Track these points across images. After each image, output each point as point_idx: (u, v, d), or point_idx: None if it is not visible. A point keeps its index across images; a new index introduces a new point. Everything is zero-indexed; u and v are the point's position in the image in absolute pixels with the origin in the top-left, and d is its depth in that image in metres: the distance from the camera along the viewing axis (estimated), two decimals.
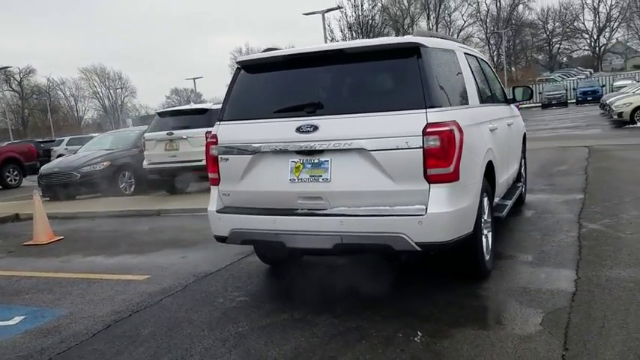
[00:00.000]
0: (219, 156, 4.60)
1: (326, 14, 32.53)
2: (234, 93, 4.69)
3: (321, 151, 4.18)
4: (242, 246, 5.99)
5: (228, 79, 15.79)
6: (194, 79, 65.11)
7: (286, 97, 4.49)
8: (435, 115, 3.92)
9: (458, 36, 64.36)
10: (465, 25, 68.27)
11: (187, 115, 11.66)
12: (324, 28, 33.21)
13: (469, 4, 66.53)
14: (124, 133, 16.36)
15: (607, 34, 72.83)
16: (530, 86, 10.12)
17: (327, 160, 4.17)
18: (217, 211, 4.64)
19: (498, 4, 67.03)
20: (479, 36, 68.23)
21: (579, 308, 4.04)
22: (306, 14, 33.26)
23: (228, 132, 4.58)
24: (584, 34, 73.42)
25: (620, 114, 19.47)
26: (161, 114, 12.39)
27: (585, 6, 71.86)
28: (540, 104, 42.93)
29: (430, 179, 3.92)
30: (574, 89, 44.23)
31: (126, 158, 13.14)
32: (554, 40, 72.79)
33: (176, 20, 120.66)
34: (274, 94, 4.63)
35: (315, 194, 4.21)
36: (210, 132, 4.77)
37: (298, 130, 4.21)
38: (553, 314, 3.96)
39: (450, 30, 66.40)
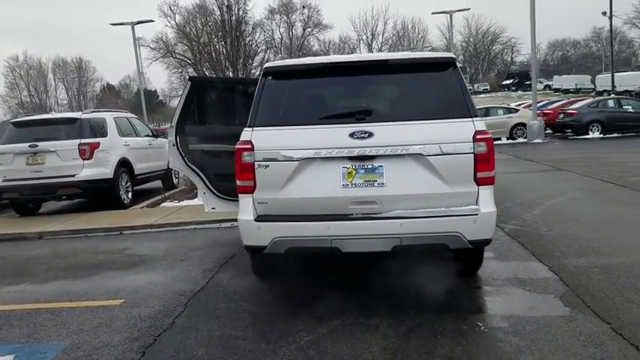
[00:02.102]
0: (257, 163, 4.45)
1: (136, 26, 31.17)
2: (266, 99, 4.57)
3: (373, 157, 4.31)
4: (201, 264, 6.18)
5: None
6: None
7: (330, 105, 4.54)
8: (479, 123, 4.35)
9: (253, 60, 66.36)
10: (259, 51, 70.72)
11: (54, 125, 10.45)
12: (134, 39, 31.80)
13: (264, 32, 69.18)
14: None
15: None
16: None
17: (382, 166, 4.32)
18: (256, 220, 4.46)
19: (291, 33, 70.89)
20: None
21: (579, 290, 4.76)
22: (114, 24, 31.66)
23: (267, 138, 4.45)
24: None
25: None
26: (18, 124, 10.85)
27: (361, 41, 79.63)
28: None
29: (479, 182, 4.33)
30: None
31: None
32: None
33: None
34: (315, 100, 4.63)
35: (370, 199, 4.33)
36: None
37: (352, 136, 4.30)
38: (568, 296, 4.62)
39: (244, 53, 68.05)
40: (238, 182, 4.56)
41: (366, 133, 4.29)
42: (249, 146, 4.45)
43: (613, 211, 7.91)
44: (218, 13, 62.06)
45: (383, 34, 78.83)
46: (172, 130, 6.39)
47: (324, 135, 4.36)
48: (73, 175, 10.02)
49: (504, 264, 5.68)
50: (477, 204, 4.33)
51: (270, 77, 4.62)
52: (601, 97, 29.41)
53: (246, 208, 4.53)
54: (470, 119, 4.35)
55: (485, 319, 4.30)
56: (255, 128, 4.50)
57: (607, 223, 7.26)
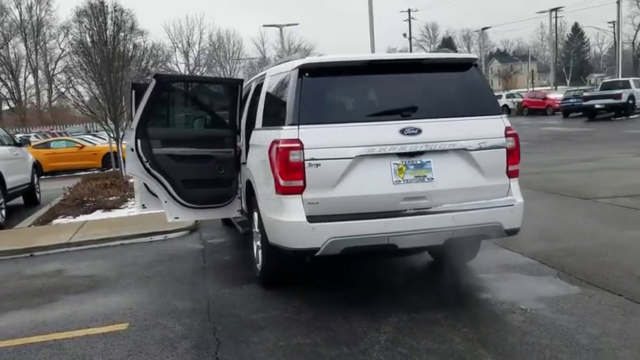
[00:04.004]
0: (307, 162, 4.25)
1: None
2: (307, 96, 4.39)
3: (422, 152, 4.40)
4: (179, 279, 5.76)
5: None
6: None
7: (374, 102, 4.50)
8: (506, 120, 4.70)
9: (56, 65, 61.59)
10: (63, 54, 65.33)
11: None
12: None
13: (71, 34, 64.00)
14: None
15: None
16: None
17: (429, 161, 4.42)
18: (308, 221, 4.25)
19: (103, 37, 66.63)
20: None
21: (568, 271, 5.32)
22: None
23: (318, 136, 4.28)
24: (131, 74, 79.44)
25: None
26: None
27: (177, 49, 77.74)
28: None
29: (510, 174, 4.65)
30: None
31: None
32: (148, 77, 76.44)
33: None
34: (359, 97, 4.55)
35: (420, 194, 4.39)
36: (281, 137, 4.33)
37: (402, 132, 4.34)
38: (565, 277, 5.14)
39: (48, 57, 62.90)
40: (283, 183, 4.31)
41: (415, 129, 4.36)
42: (298, 145, 4.25)
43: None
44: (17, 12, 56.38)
45: (199, 43, 77.96)
46: (132, 133, 5.81)
47: (375, 132, 4.34)
48: None
49: (481, 254, 6.06)
50: (510, 195, 4.63)
51: (307, 74, 4.46)
52: None
53: (294, 210, 4.30)
54: (499, 116, 4.66)
55: (519, 302, 4.57)
56: (301, 126, 4.30)
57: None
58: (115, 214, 9.16)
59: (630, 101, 28.46)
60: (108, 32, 11.55)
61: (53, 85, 62.15)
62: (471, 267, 5.57)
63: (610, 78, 43.01)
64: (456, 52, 64.24)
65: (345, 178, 4.29)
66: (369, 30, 24.30)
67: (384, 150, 4.31)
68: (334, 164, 4.27)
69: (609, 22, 62.19)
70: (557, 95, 38.42)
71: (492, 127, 4.58)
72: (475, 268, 5.55)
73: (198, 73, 77.97)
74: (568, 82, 73.32)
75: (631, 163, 12.80)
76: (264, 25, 41.95)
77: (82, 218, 9.04)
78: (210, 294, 5.20)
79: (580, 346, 3.74)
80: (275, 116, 4.89)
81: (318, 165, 4.25)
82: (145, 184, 6.48)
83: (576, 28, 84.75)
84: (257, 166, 4.92)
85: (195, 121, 6.71)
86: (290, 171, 4.27)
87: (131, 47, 12.14)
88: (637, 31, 62.17)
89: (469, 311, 4.46)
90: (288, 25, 38.59)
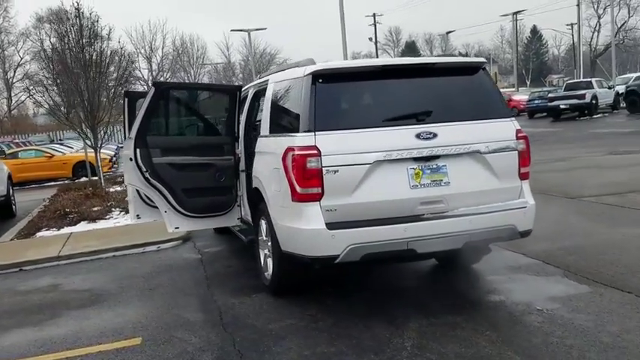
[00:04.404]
0: (325, 168, 4.21)
1: None
2: (321, 102, 4.35)
3: (437, 157, 4.41)
4: (183, 290, 5.65)
5: None
6: None
7: (389, 106, 4.48)
8: (517, 123, 4.75)
9: (15, 72, 60.20)
10: (22, 61, 63.65)
11: None
12: None
13: (31, 41, 62.38)
14: None
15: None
16: None
17: (445, 165, 4.43)
18: (329, 228, 4.21)
19: (64, 43, 65.17)
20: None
21: (573, 270, 5.40)
22: None
23: (335, 142, 4.24)
24: (140, 80, 78.20)
25: None
26: None
27: (140, 54, 76.71)
28: None
29: (521, 177, 4.70)
30: None
31: None
32: (126, 84, 75.22)
33: None
34: (373, 102, 4.53)
35: (437, 198, 4.40)
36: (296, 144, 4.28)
37: (418, 136, 4.34)
38: (571, 276, 5.22)
39: (6, 64, 61.22)
40: (300, 190, 4.26)
41: (431, 133, 4.37)
42: (315, 151, 4.21)
43: None
44: None
45: (162, 49, 76.88)
46: (130, 142, 5.67)
47: (391, 137, 4.33)
48: None
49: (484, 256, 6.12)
50: (523, 197, 4.68)
51: (320, 80, 4.42)
52: None
53: (312, 217, 4.25)
54: (510, 119, 4.71)
55: (534, 303, 4.60)
56: (317, 133, 4.26)
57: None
58: (101, 225, 8.93)
59: (593, 101, 29.24)
60: (84, 39, 11.27)
61: (13, 94, 60.51)
62: (477, 269, 5.61)
63: (569, 79, 44.13)
64: (419, 55, 65.14)
65: (363, 183, 4.27)
66: (342, 35, 24.41)
67: (401, 155, 4.30)
68: (352, 170, 4.24)
69: (567, 25, 63.75)
70: (522, 96, 39.14)
71: (504, 130, 4.62)
72: (482, 271, 5.59)
73: (162, 79, 77.12)
74: (528, 83, 74.89)
75: (602, 161, 13.08)
76: (232, 30, 41.73)
77: (66, 230, 8.78)
78: (219, 304, 5.10)
79: (604, 344, 3.79)
80: (285, 123, 4.85)
81: (336, 171, 4.22)
82: (139, 194, 6.35)
83: (535, 31, 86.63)
84: (267, 173, 4.85)
85: (195, 129, 6.59)
86: (307, 178, 4.22)
87: (109, 53, 11.86)
88: (593, 33, 64.06)
89: (487, 314, 4.48)
90: (256, 29, 38.52)
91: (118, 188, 12.07)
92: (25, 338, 4.70)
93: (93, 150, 12.15)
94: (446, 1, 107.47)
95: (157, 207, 6.42)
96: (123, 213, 9.47)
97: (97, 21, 11.45)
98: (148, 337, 4.45)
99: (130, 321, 4.87)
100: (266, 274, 5.27)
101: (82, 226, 8.86)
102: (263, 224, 5.21)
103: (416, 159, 4.36)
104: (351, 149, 4.25)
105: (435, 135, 4.37)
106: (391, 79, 4.57)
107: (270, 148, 4.86)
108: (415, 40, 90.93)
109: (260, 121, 5.43)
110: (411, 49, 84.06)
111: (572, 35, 61.53)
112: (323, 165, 4.20)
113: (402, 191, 4.33)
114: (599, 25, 60.77)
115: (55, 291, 5.99)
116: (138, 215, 6.56)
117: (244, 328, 4.51)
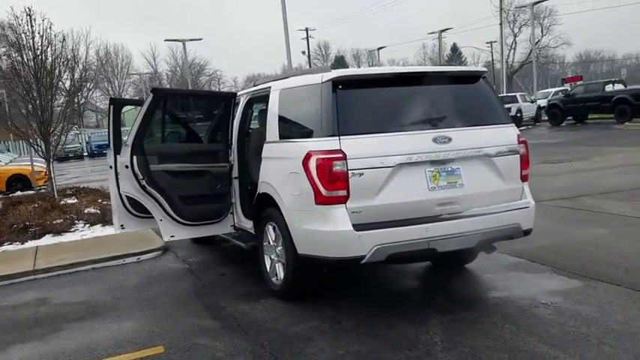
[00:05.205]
0: (350, 171, 4.33)
1: None
2: (343, 107, 4.47)
3: (452, 160, 4.63)
4: (184, 300, 5.58)
5: None
6: None
7: (406, 112, 4.64)
8: (516, 128, 5.05)
9: None
10: None
11: None
12: None
13: None
14: None
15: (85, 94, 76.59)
16: None
17: (458, 168, 4.65)
18: (355, 229, 4.31)
19: None
20: None
21: (559, 266, 5.77)
22: None
23: (359, 146, 4.37)
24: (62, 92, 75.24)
25: None
26: None
27: (61, 64, 73.82)
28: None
29: (523, 179, 5.00)
30: (87, 143, 45.32)
31: None
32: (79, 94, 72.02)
33: None
34: (392, 108, 4.66)
35: (452, 199, 4.60)
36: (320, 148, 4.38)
37: (435, 140, 4.55)
38: (560, 272, 5.57)
39: None
40: (325, 193, 4.35)
41: (446, 138, 4.58)
42: (341, 155, 4.32)
43: None
44: None
45: (86, 59, 74.16)
46: (127, 149, 5.58)
47: (411, 141, 4.50)
48: None
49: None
50: (525, 198, 4.97)
51: (340, 87, 4.54)
52: None
53: (339, 219, 4.35)
54: (511, 125, 5.01)
55: (538, 297, 4.88)
56: (342, 137, 4.37)
57: None
58: (68, 238, 8.59)
59: (519, 114, 30.78)
60: (37, 48, 10.81)
61: None
62: (470, 269, 5.87)
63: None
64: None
65: (386, 186, 4.41)
66: (286, 47, 24.57)
67: (421, 158, 4.48)
68: (376, 173, 4.38)
69: (487, 43, 66.84)
70: None
71: (507, 135, 4.91)
72: (475, 270, 5.85)
73: (85, 89, 74.58)
74: None
75: (542, 169, 13.77)
76: (165, 40, 40.85)
77: (31, 244, 8.38)
78: (229, 311, 5.08)
79: (616, 331, 4.09)
80: (299, 128, 4.94)
81: (361, 174, 4.34)
82: (123, 204, 6.23)
83: (455, 48, 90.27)
84: (281, 178, 4.89)
85: (190, 136, 6.53)
86: (332, 181, 4.32)
87: (63, 61, 11.41)
88: (509, 50, 67.54)
89: (498, 309, 4.71)
90: (191, 40, 37.99)
91: (71, 201, 11.62)
92: (35, 352, 4.51)
93: (45, 161, 11.66)
94: (370, 19, 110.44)
95: (141, 217, 6.33)
96: (88, 225, 9.16)
97: (50, 27, 11.01)
98: (169, 346, 4.38)
99: (142, 330, 4.76)
100: (273, 279, 5.29)
101: (48, 240, 8.49)
102: (270, 229, 5.25)
103: (433, 162, 4.55)
104: (375, 153, 4.39)
105: (449, 139, 4.58)
106: (405, 86, 4.76)
107: (284, 153, 4.92)
108: (344, 54, 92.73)
109: (264, 127, 5.45)
110: (340, 63, 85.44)
111: (492, 52, 64.61)
112: (349, 168, 4.32)
113: (421, 193, 4.51)
114: (515, 43, 64.27)
115: (46, 305, 5.74)
116: (122, 225, 6.41)
117: (267, 332, 4.52)
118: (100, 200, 11.18)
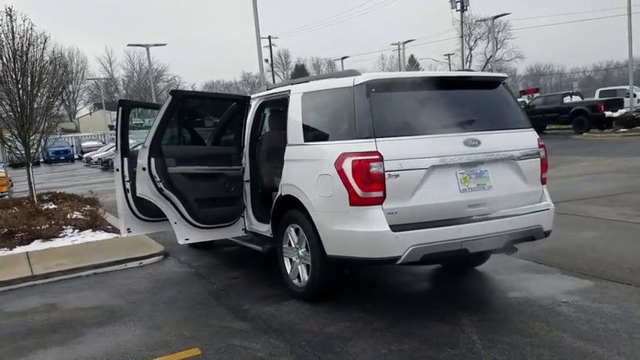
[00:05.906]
0: (387, 173, 4.38)
1: None
2: (378, 110, 4.53)
3: (482, 162, 4.75)
4: (204, 302, 5.58)
5: None
6: None
7: (438, 115, 4.72)
8: (535, 133, 5.22)
9: None
10: None
11: None
12: None
13: None
14: None
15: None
16: None
17: (487, 170, 4.77)
18: (392, 230, 4.36)
19: None
20: None
21: (568, 267, 5.97)
22: None
23: (396, 148, 4.43)
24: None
25: None
26: None
27: (12, 72, 71.60)
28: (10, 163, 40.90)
29: (542, 182, 5.16)
30: (43, 149, 44.09)
31: None
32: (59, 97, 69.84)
33: None
34: (425, 111, 4.73)
35: (481, 201, 4.71)
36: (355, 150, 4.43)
37: (466, 143, 4.66)
38: (570, 273, 5.76)
39: None
40: (361, 194, 4.40)
41: (476, 140, 4.70)
42: (378, 157, 4.38)
43: None
44: None
45: (40, 63, 72.08)
46: (145, 151, 5.51)
47: (444, 143, 4.60)
48: None
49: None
50: (545, 200, 5.14)
51: (373, 90, 4.61)
52: None
53: (376, 220, 4.40)
54: (531, 129, 5.17)
55: (557, 297, 5.04)
56: (378, 139, 4.43)
57: None
58: (58, 243, 8.33)
59: None
60: (16, 49, 10.50)
61: None
62: (481, 271, 5.99)
63: None
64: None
65: (420, 187, 4.49)
66: (258, 55, 24.49)
67: (453, 160, 4.59)
68: (411, 174, 4.45)
69: (445, 55, 68.19)
70: None
71: (529, 139, 5.07)
72: (487, 272, 5.98)
73: (39, 94, 72.49)
74: None
75: None
76: (129, 45, 40.07)
77: (20, 249, 8.10)
78: (255, 313, 5.05)
79: None
80: (329, 130, 4.98)
81: (397, 176, 4.41)
82: (130, 207, 6.16)
83: (412, 60, 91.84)
84: (309, 180, 4.90)
85: (207, 138, 6.47)
86: (369, 182, 4.37)
87: (46, 62, 11.11)
88: (465, 63, 69.20)
89: (522, 308, 4.83)
90: (155, 45, 37.44)
91: (51, 206, 11.28)
92: (63, 357, 4.38)
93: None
94: (330, 30, 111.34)
95: (147, 220, 6.26)
96: (77, 231, 8.92)
97: (32, 28, 10.71)
98: (205, 348, 4.33)
99: (171, 333, 4.68)
100: (295, 281, 5.29)
101: (37, 245, 8.21)
102: (292, 231, 5.25)
103: (463, 164, 4.66)
104: (410, 155, 4.47)
105: (479, 142, 4.71)
106: (436, 90, 4.85)
107: (311, 155, 4.95)
108: (304, 63, 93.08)
109: (283, 130, 5.46)
110: (300, 71, 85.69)
111: (449, 64, 65.87)
112: (385, 169, 4.37)
113: (453, 194, 4.60)
114: (471, 56, 65.93)
115: (57, 310, 5.56)
116: (128, 229, 6.33)
117: (301, 332, 4.52)
118: (87, 206, 10.90)
